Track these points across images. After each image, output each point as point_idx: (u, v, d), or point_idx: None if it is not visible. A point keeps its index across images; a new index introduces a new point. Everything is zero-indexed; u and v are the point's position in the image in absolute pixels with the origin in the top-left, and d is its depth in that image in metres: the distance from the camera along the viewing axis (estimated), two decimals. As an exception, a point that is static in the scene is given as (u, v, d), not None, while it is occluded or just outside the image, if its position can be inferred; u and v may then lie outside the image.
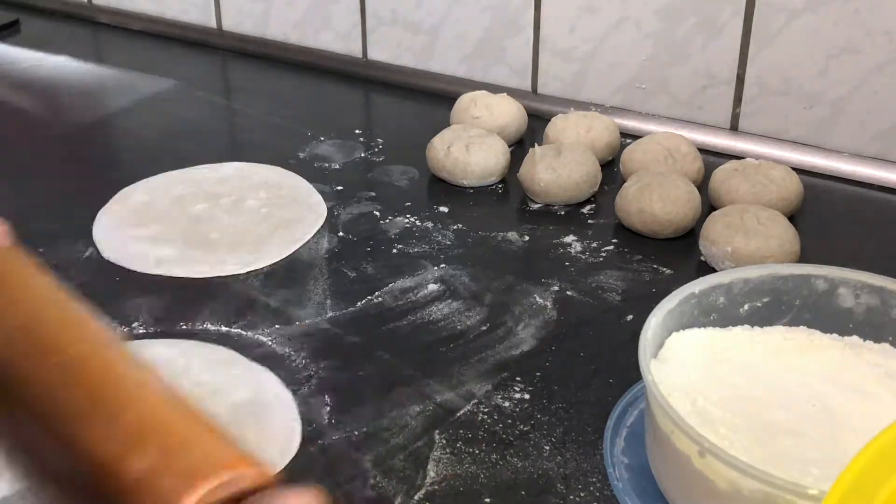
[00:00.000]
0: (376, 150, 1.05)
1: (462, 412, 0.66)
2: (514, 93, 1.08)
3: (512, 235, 0.88)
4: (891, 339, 0.63)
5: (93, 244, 0.87)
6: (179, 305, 0.78)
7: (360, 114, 1.21)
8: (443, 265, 0.83)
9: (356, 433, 0.65)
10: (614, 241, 0.87)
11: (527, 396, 0.68)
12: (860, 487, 0.39)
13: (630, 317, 0.76)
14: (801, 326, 0.65)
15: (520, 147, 1.03)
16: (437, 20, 1.18)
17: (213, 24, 1.37)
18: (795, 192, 0.88)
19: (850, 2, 0.94)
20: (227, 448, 0.38)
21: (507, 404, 0.67)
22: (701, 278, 0.64)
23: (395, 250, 0.86)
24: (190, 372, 0.70)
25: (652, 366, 0.58)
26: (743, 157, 0.95)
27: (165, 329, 0.75)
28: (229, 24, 1.36)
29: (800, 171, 0.93)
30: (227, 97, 1.28)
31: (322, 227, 0.89)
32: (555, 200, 0.92)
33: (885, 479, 0.38)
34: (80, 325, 0.43)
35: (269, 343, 0.74)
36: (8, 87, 1.25)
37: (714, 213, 0.84)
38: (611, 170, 0.98)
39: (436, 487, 0.60)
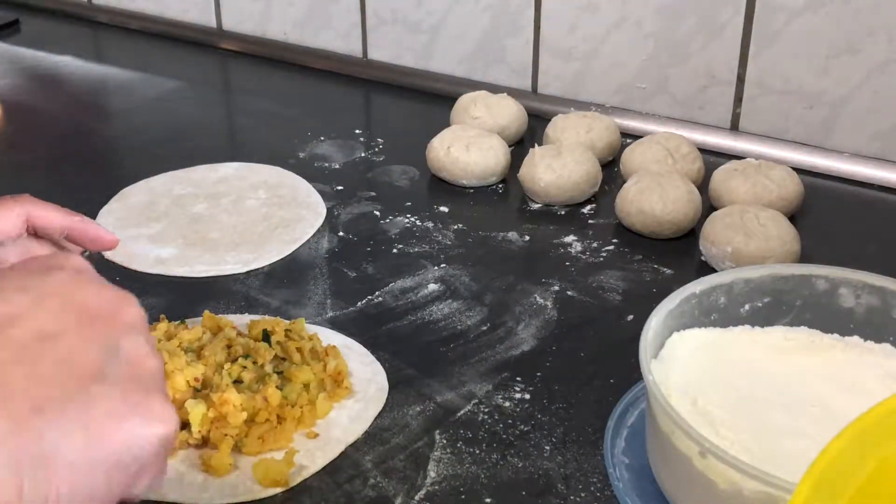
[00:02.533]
0: (376, 150, 1.05)
1: (462, 412, 0.66)
2: (514, 93, 1.08)
3: (512, 235, 0.88)
4: (891, 339, 0.63)
5: (93, 244, 0.86)
6: (179, 305, 0.78)
7: (360, 114, 1.21)
8: (443, 265, 0.83)
9: (356, 433, 0.65)
10: (614, 241, 0.87)
11: (527, 396, 0.68)
12: (834, 474, 0.39)
13: (630, 317, 0.76)
14: (802, 327, 0.65)
15: (520, 147, 1.03)
16: (437, 20, 1.18)
17: (213, 24, 1.37)
18: (795, 192, 0.88)
19: (850, 2, 0.94)
20: None
21: (507, 404, 0.67)
22: (701, 278, 0.64)
23: (395, 250, 0.86)
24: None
25: (652, 366, 0.58)
26: (743, 157, 0.95)
27: (165, 329, 0.75)
28: (229, 24, 1.36)
29: (800, 171, 0.93)
30: (227, 97, 1.28)
31: (322, 226, 0.89)
32: (555, 200, 0.92)
33: (859, 467, 0.39)
34: None
35: (270, 343, 0.74)
36: (8, 87, 1.25)
37: (714, 213, 0.84)
38: (611, 170, 0.98)
39: (436, 487, 0.60)
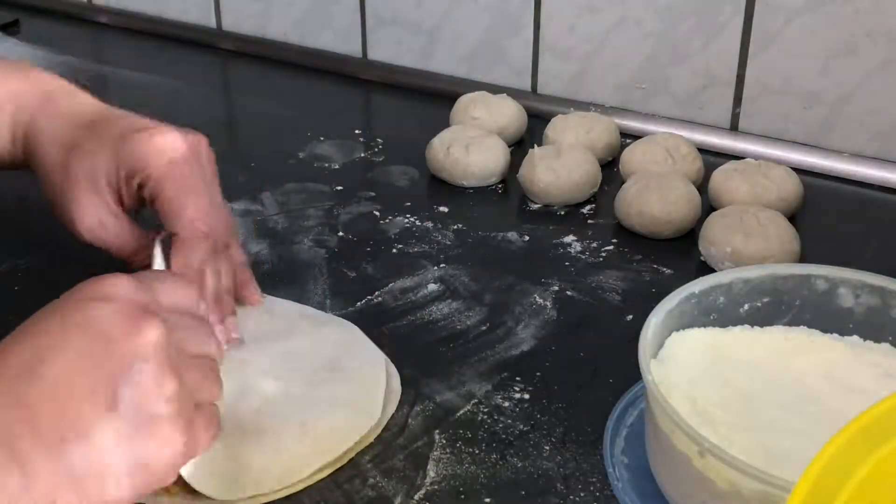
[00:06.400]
0: (376, 150, 1.05)
1: (462, 412, 0.66)
2: (514, 93, 1.08)
3: (512, 235, 0.88)
4: (891, 338, 0.63)
5: (93, 244, 0.86)
6: (179, 305, 0.78)
7: (360, 114, 1.21)
8: (443, 265, 0.83)
9: (356, 433, 0.65)
10: (614, 241, 0.87)
11: (527, 396, 0.68)
12: (832, 473, 0.39)
13: (630, 317, 0.76)
14: (801, 326, 0.65)
15: (520, 147, 1.03)
16: (437, 20, 1.18)
17: (213, 24, 1.37)
18: (795, 193, 0.89)
19: (850, 2, 0.94)
20: None
21: (507, 404, 0.67)
22: (701, 278, 0.64)
23: (395, 250, 0.86)
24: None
25: (652, 366, 0.58)
26: (743, 157, 0.95)
27: (165, 329, 0.75)
28: (229, 24, 1.36)
29: (800, 171, 0.93)
30: (227, 97, 1.28)
31: (322, 226, 0.89)
32: (554, 201, 0.92)
33: (858, 466, 0.39)
34: None
35: (269, 343, 0.74)
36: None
37: (714, 213, 0.84)
38: (611, 170, 0.98)
39: (436, 487, 0.60)
